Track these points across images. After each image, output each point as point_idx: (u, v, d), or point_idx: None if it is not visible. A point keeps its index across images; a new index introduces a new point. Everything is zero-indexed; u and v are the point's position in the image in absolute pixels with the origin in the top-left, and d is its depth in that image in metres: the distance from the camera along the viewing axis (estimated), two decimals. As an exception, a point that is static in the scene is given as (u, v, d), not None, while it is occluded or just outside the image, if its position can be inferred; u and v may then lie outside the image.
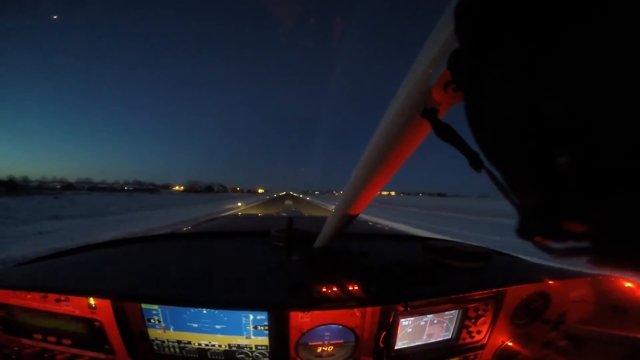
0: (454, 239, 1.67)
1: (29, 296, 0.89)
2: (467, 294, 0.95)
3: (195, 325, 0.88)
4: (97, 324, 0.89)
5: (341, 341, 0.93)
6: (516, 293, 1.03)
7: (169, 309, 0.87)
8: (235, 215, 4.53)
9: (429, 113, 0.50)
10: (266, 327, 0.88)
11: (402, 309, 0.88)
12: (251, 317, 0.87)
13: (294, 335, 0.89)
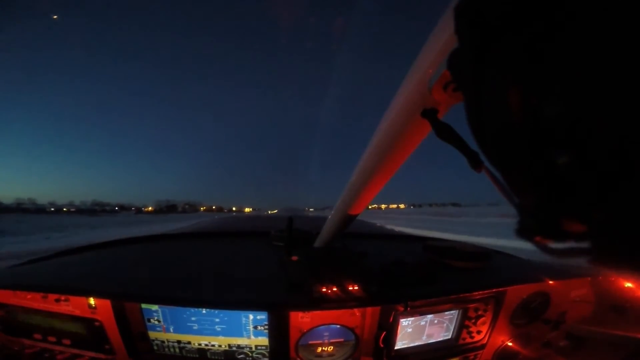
0: (454, 239, 1.67)
1: (29, 296, 0.89)
2: (467, 294, 0.95)
3: (195, 325, 0.88)
4: (97, 324, 0.89)
5: (341, 341, 0.93)
6: (516, 293, 1.03)
7: (169, 309, 0.87)
8: (236, 215, 4.56)
9: (429, 113, 0.50)
10: (266, 327, 0.87)
11: (402, 309, 0.88)
12: (251, 317, 0.87)
13: (294, 335, 0.88)
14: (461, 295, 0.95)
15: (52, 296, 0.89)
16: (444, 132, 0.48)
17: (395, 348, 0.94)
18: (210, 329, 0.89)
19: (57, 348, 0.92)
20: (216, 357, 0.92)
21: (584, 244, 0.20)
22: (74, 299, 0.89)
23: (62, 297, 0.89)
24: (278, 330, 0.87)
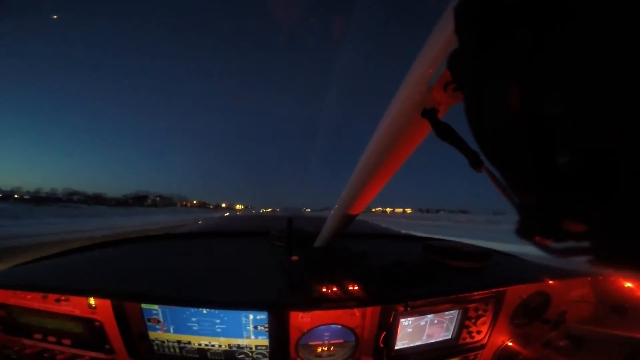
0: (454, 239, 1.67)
1: (29, 296, 0.89)
2: (467, 294, 0.95)
3: (195, 325, 0.88)
4: (97, 324, 0.89)
5: (341, 341, 0.93)
6: (516, 293, 1.03)
7: (169, 309, 0.87)
8: (236, 215, 4.55)
9: (429, 113, 0.50)
10: (266, 327, 0.87)
11: (402, 309, 0.88)
12: (251, 317, 0.87)
13: (294, 335, 0.88)
14: (461, 295, 0.95)
15: (52, 296, 0.89)
16: (444, 132, 0.48)
17: (395, 348, 0.94)
18: (211, 329, 0.89)
19: (57, 348, 0.92)
20: (216, 357, 0.92)
21: (584, 244, 0.20)
22: (74, 299, 0.89)
23: (62, 297, 0.89)
24: (278, 331, 0.87)
